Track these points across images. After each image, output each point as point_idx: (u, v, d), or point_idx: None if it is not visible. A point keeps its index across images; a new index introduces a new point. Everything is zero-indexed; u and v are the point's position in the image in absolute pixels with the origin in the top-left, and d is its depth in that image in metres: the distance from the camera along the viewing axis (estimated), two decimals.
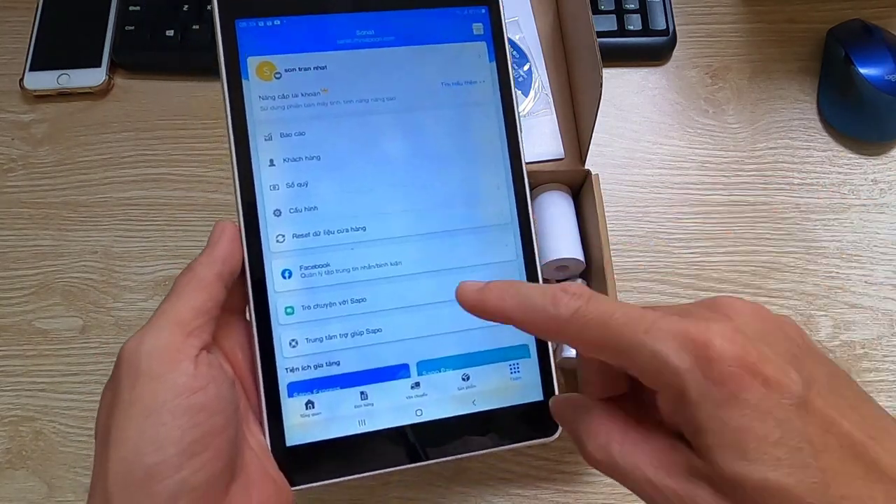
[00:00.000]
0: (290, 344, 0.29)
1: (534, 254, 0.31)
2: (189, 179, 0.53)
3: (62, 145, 0.55)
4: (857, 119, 0.53)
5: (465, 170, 0.31)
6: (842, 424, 0.18)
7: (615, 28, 0.56)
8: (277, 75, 0.30)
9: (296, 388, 0.29)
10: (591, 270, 0.45)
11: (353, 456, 0.29)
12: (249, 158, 0.29)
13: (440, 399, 0.30)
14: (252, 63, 0.30)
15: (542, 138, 0.48)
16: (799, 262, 0.51)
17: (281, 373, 0.29)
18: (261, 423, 0.28)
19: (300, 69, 0.30)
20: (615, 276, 0.42)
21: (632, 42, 0.56)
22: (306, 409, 0.29)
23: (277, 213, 0.29)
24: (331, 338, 0.29)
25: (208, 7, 0.57)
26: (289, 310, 0.29)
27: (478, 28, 0.32)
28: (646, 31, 0.56)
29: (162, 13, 0.57)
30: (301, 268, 0.29)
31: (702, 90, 0.56)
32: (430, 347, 0.30)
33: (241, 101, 0.29)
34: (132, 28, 0.57)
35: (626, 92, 0.56)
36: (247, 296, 0.29)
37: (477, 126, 0.31)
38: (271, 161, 0.30)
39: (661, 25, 0.56)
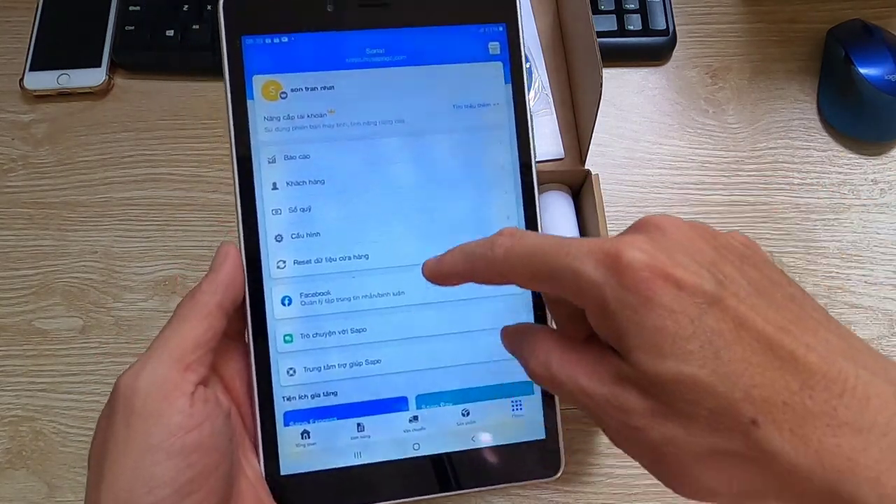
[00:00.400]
0: (288, 372, 0.29)
1: None
2: (189, 179, 0.53)
3: (62, 145, 0.55)
4: (857, 119, 0.53)
5: (473, 197, 0.30)
6: (755, 321, 0.19)
7: (615, 28, 0.56)
8: (283, 95, 0.29)
9: (292, 417, 0.28)
10: None
11: (347, 487, 0.29)
12: (252, 181, 0.28)
13: (438, 434, 0.29)
14: (258, 82, 0.29)
15: (542, 138, 0.48)
16: (799, 262, 0.51)
17: (278, 401, 0.28)
18: (256, 452, 0.28)
19: (307, 89, 0.29)
20: None
21: (632, 42, 0.56)
22: (302, 438, 0.28)
23: (279, 238, 0.29)
24: (329, 367, 0.29)
25: (209, 7, 0.57)
26: (287, 338, 0.29)
27: (494, 47, 0.30)
28: (646, 31, 0.56)
29: (162, 13, 0.57)
30: (301, 295, 0.29)
31: (702, 90, 0.56)
32: (431, 381, 0.29)
33: (246, 121, 0.28)
34: (132, 28, 0.57)
35: (626, 92, 0.56)
36: (246, 322, 0.28)
37: (488, 151, 0.30)
38: (274, 185, 0.29)
39: (661, 25, 0.56)
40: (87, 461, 0.25)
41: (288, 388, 0.28)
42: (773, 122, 0.55)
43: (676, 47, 0.57)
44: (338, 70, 0.29)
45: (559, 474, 0.29)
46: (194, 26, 0.57)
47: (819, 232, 0.52)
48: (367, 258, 0.29)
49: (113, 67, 0.57)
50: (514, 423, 0.29)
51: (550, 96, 0.50)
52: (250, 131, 0.29)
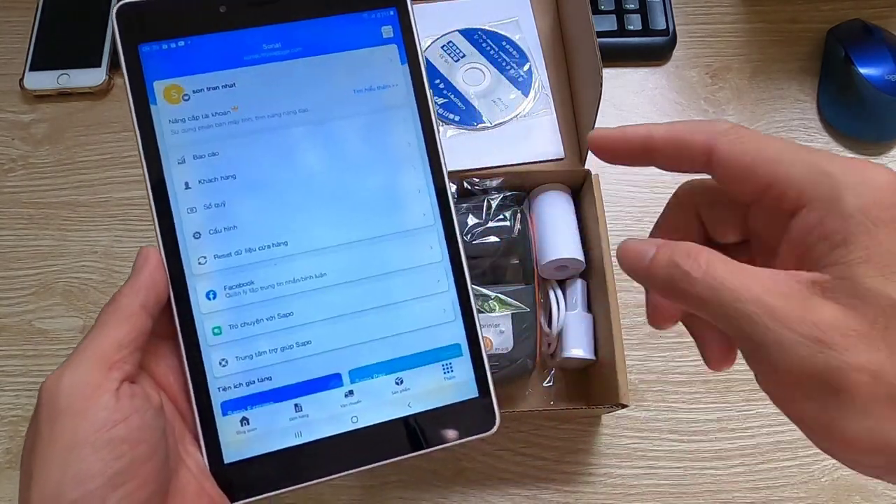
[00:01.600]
0: (221, 363, 0.29)
1: (459, 254, 0.31)
2: None
3: (62, 145, 0.55)
4: (857, 119, 0.53)
5: (383, 176, 0.31)
6: None
7: (615, 28, 0.56)
8: (186, 97, 0.30)
9: (229, 406, 0.29)
10: (591, 270, 0.45)
11: (292, 467, 0.29)
12: (164, 183, 0.29)
13: (375, 405, 0.30)
14: (159, 87, 0.29)
15: (542, 138, 0.48)
16: None
17: (213, 392, 0.29)
18: (198, 444, 0.29)
19: (208, 89, 0.30)
20: (615, 276, 0.42)
21: (632, 42, 0.56)
22: (241, 425, 0.29)
23: (197, 235, 0.29)
24: (261, 354, 0.29)
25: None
26: (216, 330, 0.29)
27: (387, 31, 0.31)
28: (646, 31, 0.56)
29: None
30: (225, 287, 0.29)
31: (702, 90, 0.56)
32: (361, 355, 0.30)
33: (151, 126, 0.29)
34: None
35: (626, 92, 0.56)
36: (173, 319, 0.29)
37: (393, 130, 0.31)
38: (186, 184, 0.29)
39: (661, 25, 0.56)
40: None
41: (222, 378, 0.29)
42: (773, 122, 0.55)
43: (676, 47, 0.57)
44: (237, 68, 0.30)
45: (495, 428, 0.30)
46: None
47: None
48: (287, 245, 0.30)
49: (113, 67, 0.57)
50: (447, 385, 0.30)
51: (550, 96, 0.50)
52: (157, 135, 0.29)
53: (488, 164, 0.47)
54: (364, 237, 0.31)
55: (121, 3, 0.29)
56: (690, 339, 0.28)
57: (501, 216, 0.44)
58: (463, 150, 0.48)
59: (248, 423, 0.29)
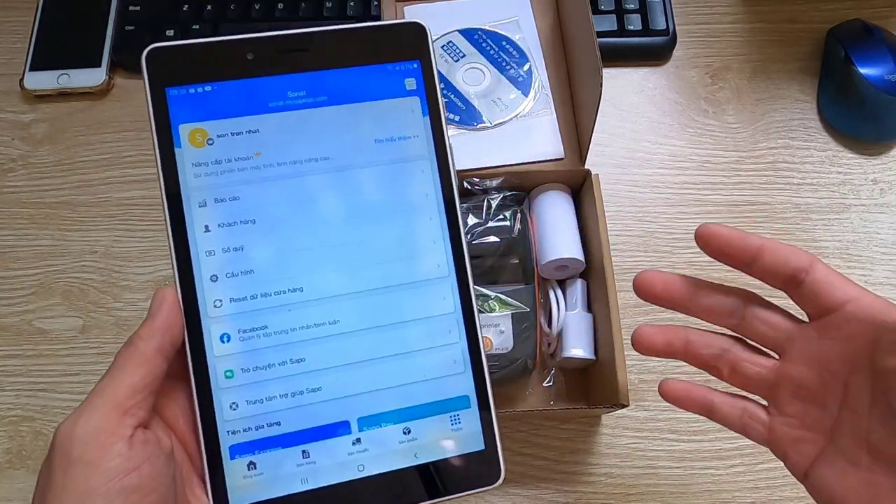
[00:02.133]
0: (231, 407, 0.29)
1: (472, 305, 0.31)
2: None
3: (62, 145, 0.55)
4: (857, 119, 0.53)
5: (400, 225, 0.31)
6: None
7: (615, 28, 0.56)
8: (210, 141, 0.30)
9: (237, 450, 0.29)
10: (591, 270, 0.45)
11: None
12: (184, 225, 0.30)
13: (382, 454, 0.30)
14: (184, 131, 0.30)
15: (542, 138, 0.48)
16: None
17: (222, 436, 0.29)
18: (204, 487, 0.29)
19: (232, 134, 0.30)
20: (615, 276, 0.42)
21: (632, 42, 0.56)
22: (248, 470, 0.29)
23: (214, 278, 0.30)
24: (271, 399, 0.30)
25: (209, 7, 0.57)
26: (228, 373, 0.29)
27: (410, 83, 0.32)
28: (646, 31, 0.56)
29: (162, 13, 0.57)
30: (239, 331, 0.30)
31: (702, 90, 0.56)
32: (371, 403, 0.30)
33: (175, 169, 0.30)
34: (132, 28, 0.57)
35: (626, 92, 0.56)
36: (186, 362, 0.29)
37: (411, 181, 0.31)
38: (206, 227, 0.30)
39: (661, 25, 0.56)
40: None
41: (231, 422, 0.29)
42: (773, 122, 0.55)
43: (676, 47, 0.57)
44: (261, 114, 0.31)
45: (500, 481, 0.30)
46: (194, 26, 0.57)
47: (819, 232, 0.52)
48: (302, 291, 0.30)
49: (113, 67, 0.57)
50: (454, 436, 0.30)
51: (550, 96, 0.50)
52: (179, 178, 0.30)
53: (488, 164, 0.47)
54: (378, 286, 0.31)
55: (151, 46, 0.30)
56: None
57: (501, 216, 0.44)
58: (463, 150, 0.48)
59: (255, 468, 0.29)
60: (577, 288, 0.46)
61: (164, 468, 0.26)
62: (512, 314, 0.43)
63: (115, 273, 0.51)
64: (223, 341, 0.30)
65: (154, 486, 0.25)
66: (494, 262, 0.44)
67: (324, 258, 0.30)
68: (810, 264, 0.27)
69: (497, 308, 0.43)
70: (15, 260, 0.52)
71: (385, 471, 0.30)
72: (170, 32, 0.56)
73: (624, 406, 0.39)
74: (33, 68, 0.56)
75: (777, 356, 0.29)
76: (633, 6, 0.56)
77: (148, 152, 0.55)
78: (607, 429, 0.46)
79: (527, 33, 0.52)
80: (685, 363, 0.29)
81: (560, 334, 0.45)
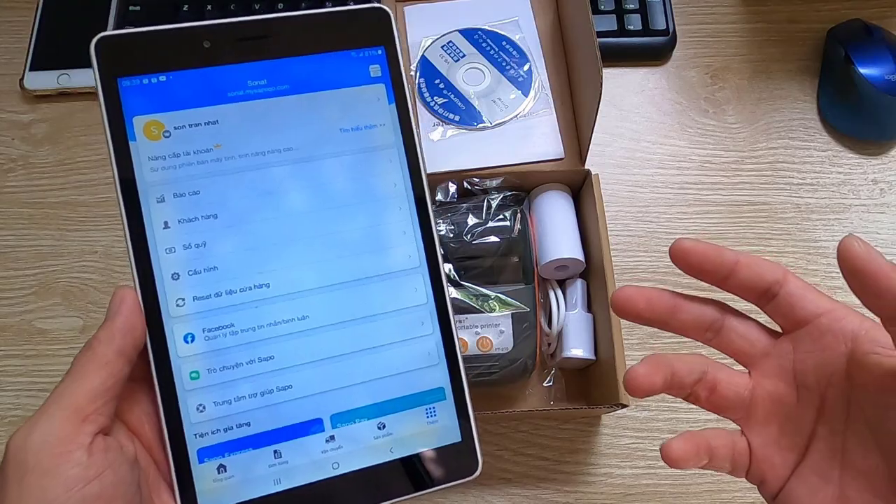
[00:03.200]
0: (198, 409, 0.28)
1: (444, 296, 0.30)
2: None
3: (62, 145, 0.55)
4: (857, 119, 0.53)
5: (369, 217, 0.30)
6: None
7: (615, 28, 0.56)
8: (167, 134, 0.29)
9: (206, 453, 0.28)
10: (591, 270, 0.45)
11: None
12: (142, 222, 0.28)
13: (357, 450, 0.29)
14: (138, 123, 0.29)
15: (542, 138, 0.48)
16: (799, 262, 0.51)
17: (189, 439, 0.28)
18: (172, 493, 0.28)
19: (190, 126, 0.29)
20: (615, 276, 0.42)
21: (632, 42, 0.56)
22: (218, 473, 0.28)
23: (176, 276, 0.28)
24: (239, 399, 0.29)
25: (209, 7, 0.57)
26: (194, 374, 0.28)
27: (375, 70, 0.30)
28: (646, 31, 0.56)
29: (162, 13, 0.57)
30: (204, 330, 0.28)
31: (702, 90, 0.56)
32: (343, 399, 0.29)
33: (130, 163, 0.28)
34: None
35: (626, 92, 0.56)
36: (149, 364, 0.28)
37: (379, 171, 0.30)
38: (165, 223, 0.28)
39: (661, 25, 0.56)
40: None
41: (199, 424, 0.28)
42: (773, 122, 0.55)
43: (676, 47, 0.57)
44: (221, 104, 0.29)
45: (478, 472, 0.30)
46: None
47: (819, 232, 0.52)
48: (268, 287, 0.29)
49: None
50: (430, 429, 0.30)
51: (550, 96, 0.50)
52: (135, 172, 0.28)
53: (488, 164, 0.47)
54: (348, 279, 0.30)
55: (101, 34, 0.28)
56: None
57: (501, 216, 0.44)
58: (463, 150, 0.48)
59: (226, 471, 0.28)
60: (577, 288, 0.46)
61: (127, 475, 0.25)
62: (512, 314, 0.43)
63: (115, 273, 0.51)
64: (187, 341, 0.28)
65: (117, 494, 0.24)
66: (494, 262, 0.44)
67: (290, 252, 0.29)
68: (784, 277, 0.26)
69: (497, 308, 0.43)
70: (15, 260, 0.52)
71: (360, 468, 0.29)
72: None
73: (624, 406, 0.39)
74: (33, 68, 0.56)
75: (748, 371, 0.28)
76: (633, 6, 0.56)
77: None
78: (607, 429, 0.46)
79: (527, 33, 0.52)
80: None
81: (560, 334, 0.45)
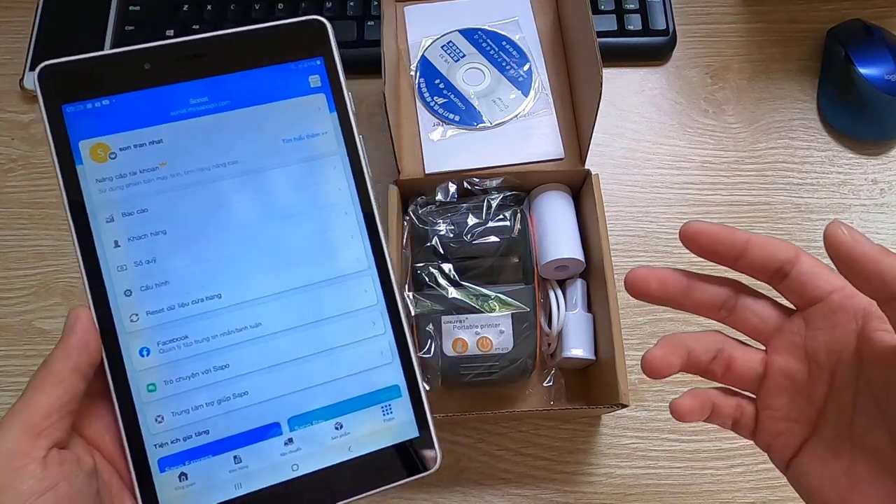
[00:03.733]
0: (157, 420, 0.29)
1: (394, 295, 0.31)
2: None
3: None
4: (857, 119, 0.53)
5: (315, 223, 0.31)
6: None
7: (615, 28, 0.56)
8: (112, 156, 0.30)
9: (167, 462, 0.29)
10: (591, 270, 0.45)
11: None
12: (93, 242, 0.29)
13: (315, 451, 0.30)
14: (84, 147, 0.29)
15: (542, 138, 0.48)
16: None
17: (150, 450, 0.29)
18: (136, 502, 0.29)
19: (135, 146, 0.30)
20: (615, 276, 0.42)
21: (632, 42, 0.56)
22: (180, 481, 0.29)
23: (128, 292, 0.29)
24: (197, 408, 0.29)
25: (209, 7, 0.57)
26: (151, 387, 0.29)
27: (314, 80, 0.31)
28: (646, 31, 0.56)
29: (162, 13, 0.57)
30: (159, 343, 0.29)
31: (702, 90, 0.56)
32: (300, 402, 0.30)
33: (78, 186, 0.29)
34: (132, 28, 0.57)
35: (626, 92, 0.56)
36: (106, 379, 0.29)
37: (323, 178, 0.31)
38: (116, 242, 0.29)
39: (661, 25, 0.56)
40: None
41: (158, 435, 0.29)
42: (773, 122, 0.55)
43: (676, 47, 0.57)
44: (164, 124, 0.30)
45: (437, 465, 0.30)
46: (194, 26, 0.57)
47: (819, 232, 0.51)
48: (220, 297, 0.30)
49: None
50: (387, 427, 0.30)
51: (550, 96, 0.50)
52: (84, 195, 0.29)
53: (488, 164, 0.47)
54: (298, 285, 0.30)
55: (43, 64, 0.29)
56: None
57: (501, 216, 0.44)
58: (463, 150, 0.48)
59: (187, 479, 0.29)
60: (577, 288, 0.46)
61: (84, 487, 0.26)
62: (512, 314, 0.43)
63: None
64: (143, 355, 0.29)
65: (80, 500, 0.25)
66: (494, 262, 0.44)
67: (240, 262, 0.30)
68: (796, 256, 0.27)
69: (497, 308, 0.43)
70: (15, 260, 0.52)
71: (320, 468, 0.30)
72: (170, 32, 0.56)
73: (624, 406, 0.39)
74: (33, 68, 0.56)
75: (764, 348, 0.29)
76: (633, 6, 0.56)
77: None
78: (607, 429, 0.46)
79: (527, 33, 0.52)
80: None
81: (560, 334, 0.45)
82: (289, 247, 0.31)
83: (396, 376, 0.31)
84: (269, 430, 0.30)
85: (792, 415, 0.27)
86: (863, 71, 0.52)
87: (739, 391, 0.29)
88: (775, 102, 0.56)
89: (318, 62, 0.31)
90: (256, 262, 0.30)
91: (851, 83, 0.53)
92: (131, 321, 0.29)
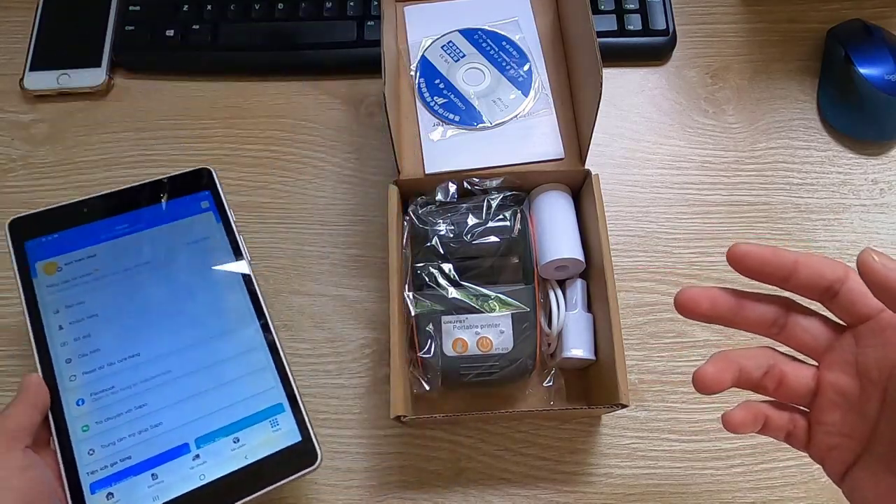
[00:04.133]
0: (89, 453, 0.37)
1: (273, 338, 0.41)
2: None
3: (62, 145, 0.55)
4: (857, 119, 0.53)
5: (209, 295, 0.42)
6: None
7: (615, 28, 0.56)
8: (59, 269, 0.42)
9: (97, 485, 0.37)
10: (591, 270, 0.45)
11: None
12: (43, 328, 0.40)
13: (218, 462, 0.38)
14: (39, 266, 0.42)
15: (542, 138, 0.48)
16: None
17: (83, 477, 0.37)
18: None
19: (76, 261, 0.42)
20: (615, 276, 0.42)
21: (632, 42, 0.56)
22: (108, 499, 0.37)
23: (69, 360, 0.40)
24: (121, 439, 0.38)
25: (209, 7, 0.57)
26: (84, 428, 0.38)
27: (205, 204, 0.45)
28: (646, 31, 0.56)
29: (162, 13, 0.57)
30: (91, 394, 0.39)
31: (702, 90, 0.56)
32: (205, 425, 0.39)
33: (33, 291, 0.41)
34: (132, 28, 0.57)
35: (626, 92, 0.56)
36: (49, 425, 0.37)
37: (214, 264, 0.43)
38: (60, 326, 0.40)
39: (661, 25, 0.56)
40: None
41: (90, 464, 0.37)
42: (773, 122, 0.55)
43: (676, 47, 0.57)
44: (97, 244, 0.43)
45: (318, 461, 0.38)
46: (194, 26, 0.57)
47: (819, 232, 0.52)
48: (139, 355, 0.40)
49: (113, 67, 0.57)
50: (275, 436, 0.39)
51: (550, 96, 0.50)
52: (37, 296, 0.41)
53: (488, 164, 0.47)
54: (198, 340, 0.41)
55: (12, 219, 0.42)
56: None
57: (501, 216, 0.44)
58: (463, 150, 0.48)
59: (114, 497, 0.37)
60: (577, 288, 0.46)
61: (50, 481, 0.35)
62: (512, 314, 0.43)
63: None
64: (79, 405, 0.39)
65: (42, 491, 0.34)
66: (494, 262, 0.44)
67: (154, 328, 0.41)
68: (845, 274, 0.27)
69: (497, 308, 0.43)
70: None
71: (222, 475, 0.38)
72: (170, 32, 0.56)
73: (624, 406, 0.39)
74: (33, 68, 0.56)
75: (816, 364, 0.29)
76: (633, 6, 0.56)
77: (150, 153, 0.55)
78: (607, 429, 0.46)
79: (527, 33, 0.52)
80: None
81: (560, 334, 0.45)
82: (191, 314, 0.41)
83: (279, 396, 0.40)
84: (180, 450, 0.38)
85: (845, 430, 0.27)
86: (863, 71, 0.52)
87: (792, 405, 0.29)
88: (775, 102, 0.56)
89: (208, 192, 0.45)
90: (166, 327, 0.41)
91: (851, 83, 0.53)
92: (70, 381, 0.39)
